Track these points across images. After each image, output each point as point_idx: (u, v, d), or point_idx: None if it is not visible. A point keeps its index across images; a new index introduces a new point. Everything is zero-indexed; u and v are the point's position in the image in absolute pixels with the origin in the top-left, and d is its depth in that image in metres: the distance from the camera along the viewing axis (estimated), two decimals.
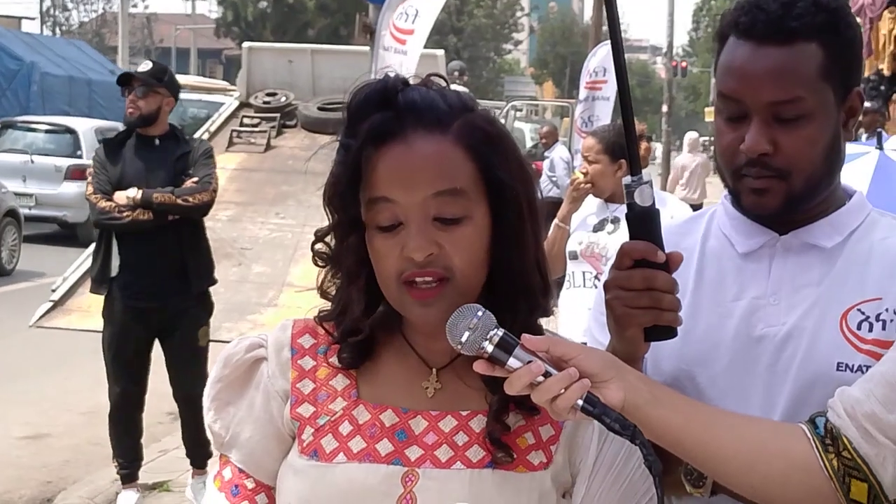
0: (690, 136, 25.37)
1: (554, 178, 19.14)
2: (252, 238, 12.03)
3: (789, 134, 2.18)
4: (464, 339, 1.81)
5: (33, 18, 60.85)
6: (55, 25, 63.09)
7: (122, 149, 7.40)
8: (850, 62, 2.25)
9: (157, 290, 7.24)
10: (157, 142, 7.39)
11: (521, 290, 1.98)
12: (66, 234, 20.60)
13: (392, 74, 2.00)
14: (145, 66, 7.53)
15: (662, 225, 2.16)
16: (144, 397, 7.48)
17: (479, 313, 1.82)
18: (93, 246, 11.31)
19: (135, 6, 60.79)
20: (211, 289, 7.61)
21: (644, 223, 2.14)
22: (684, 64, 64.62)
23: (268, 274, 11.46)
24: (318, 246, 2.06)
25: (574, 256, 6.42)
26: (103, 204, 7.19)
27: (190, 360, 7.31)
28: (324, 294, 2.07)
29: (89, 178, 7.42)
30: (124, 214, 7.14)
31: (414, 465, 1.97)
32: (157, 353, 7.50)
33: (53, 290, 10.90)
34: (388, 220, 1.92)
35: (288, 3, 53.40)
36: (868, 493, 1.94)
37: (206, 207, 7.37)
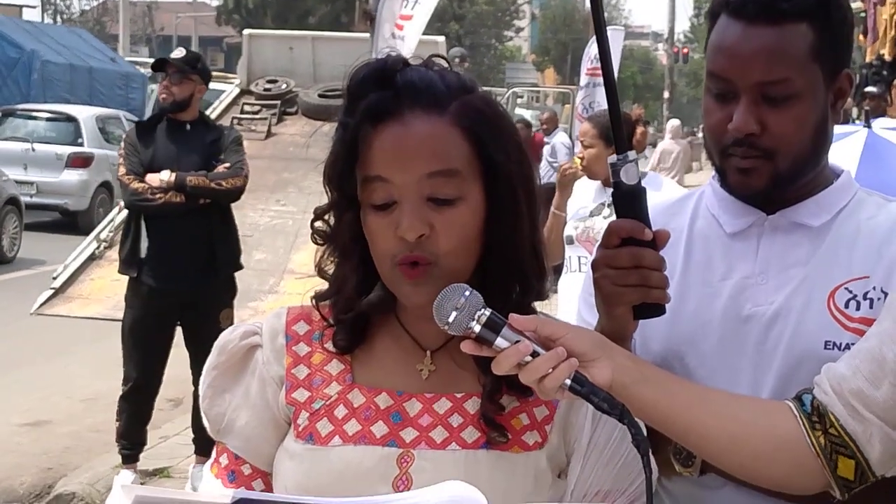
0: (673, 123, 25.53)
1: (555, 164, 19.14)
2: (253, 225, 12.04)
3: (777, 114, 2.18)
4: (451, 318, 1.81)
5: (34, 6, 60.82)
6: (56, 13, 63.09)
7: (154, 132, 7.52)
8: (839, 44, 2.25)
9: (185, 274, 7.32)
10: (188, 127, 7.52)
11: (514, 272, 1.99)
12: (66, 222, 20.61)
13: (393, 54, 2.00)
14: (179, 52, 7.67)
15: (651, 206, 2.17)
16: (161, 381, 7.54)
17: (467, 293, 1.82)
18: (93, 233, 11.40)
19: None
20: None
21: (630, 201, 2.15)
22: (686, 50, 64.59)
23: (268, 261, 11.47)
24: (318, 224, 2.06)
25: (570, 241, 6.48)
26: (136, 185, 7.28)
27: (211, 343, 7.30)
28: (321, 273, 2.07)
29: (121, 160, 7.52)
30: (157, 196, 7.22)
31: (409, 446, 1.97)
32: None
33: (54, 278, 10.92)
34: (383, 199, 1.93)
35: None
36: (855, 470, 1.96)
37: (238, 192, 7.50)
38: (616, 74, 2.27)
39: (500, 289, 1.96)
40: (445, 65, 2.03)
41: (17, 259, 17.76)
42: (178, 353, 7.48)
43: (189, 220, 7.30)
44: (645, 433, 1.82)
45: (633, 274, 2.10)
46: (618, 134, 2.20)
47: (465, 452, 1.96)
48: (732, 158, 2.23)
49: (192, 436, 7.55)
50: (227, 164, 7.41)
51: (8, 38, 28.72)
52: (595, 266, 2.16)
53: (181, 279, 7.32)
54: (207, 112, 12.91)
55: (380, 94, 1.93)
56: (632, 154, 2.15)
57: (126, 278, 7.50)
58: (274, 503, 1.43)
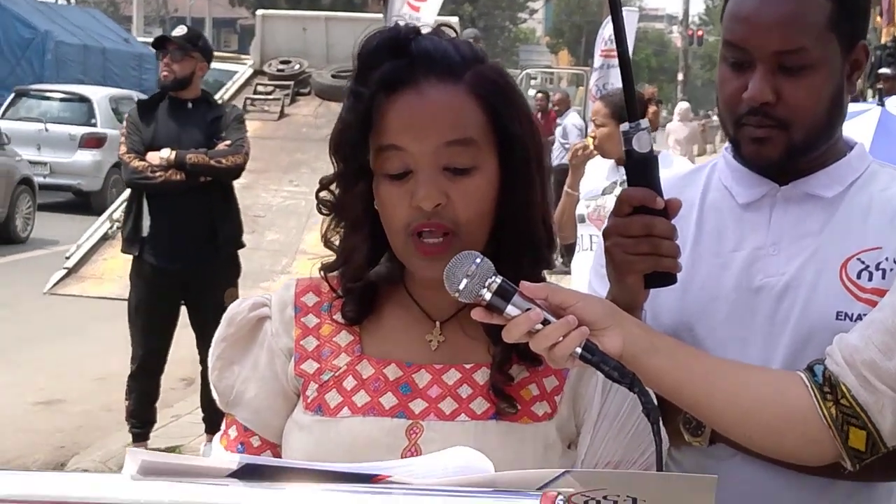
0: (681, 106, 25.88)
1: (566, 145, 19.14)
2: (265, 206, 12.08)
3: (793, 84, 2.17)
4: (461, 286, 1.80)
5: None
6: None
7: (156, 111, 7.51)
8: (857, 15, 2.24)
9: (186, 252, 7.31)
10: (189, 105, 7.51)
11: (526, 242, 1.98)
12: (80, 203, 20.61)
13: (402, 24, 1.99)
14: (180, 30, 7.66)
15: (663, 179, 2.16)
16: (166, 359, 7.56)
17: (478, 260, 1.80)
18: (106, 213, 11.43)
19: None
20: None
21: (642, 170, 2.14)
22: (700, 33, 64.45)
23: (281, 241, 11.51)
24: (323, 194, 2.05)
25: (582, 220, 6.50)
26: (136, 163, 7.29)
27: (216, 322, 7.31)
28: (327, 244, 2.07)
29: (122, 139, 7.53)
30: (157, 174, 7.22)
31: (418, 417, 1.97)
32: None
33: (67, 258, 10.96)
34: (398, 169, 1.92)
35: None
36: (866, 441, 1.95)
37: (238, 170, 7.48)
38: (630, 56, 2.26)
39: (512, 259, 1.95)
40: (454, 34, 2.03)
41: (30, 239, 17.78)
42: (190, 333, 7.50)
43: (190, 199, 7.30)
44: (655, 402, 1.81)
45: (645, 242, 2.09)
46: (630, 102, 2.18)
47: (474, 423, 1.95)
48: (747, 128, 2.22)
49: (202, 414, 7.56)
50: (228, 142, 7.40)
51: (21, 19, 28.76)
52: (606, 234, 2.15)
53: (183, 258, 7.32)
54: (220, 92, 12.97)
55: (394, 62, 1.92)
56: (644, 122, 2.13)
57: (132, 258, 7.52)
58: (279, 468, 1.42)
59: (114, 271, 10.35)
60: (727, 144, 2.37)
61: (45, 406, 9.00)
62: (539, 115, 20.72)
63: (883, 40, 18.61)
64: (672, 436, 2.19)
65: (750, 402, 1.96)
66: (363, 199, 1.98)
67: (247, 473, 1.40)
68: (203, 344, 7.39)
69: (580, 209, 6.55)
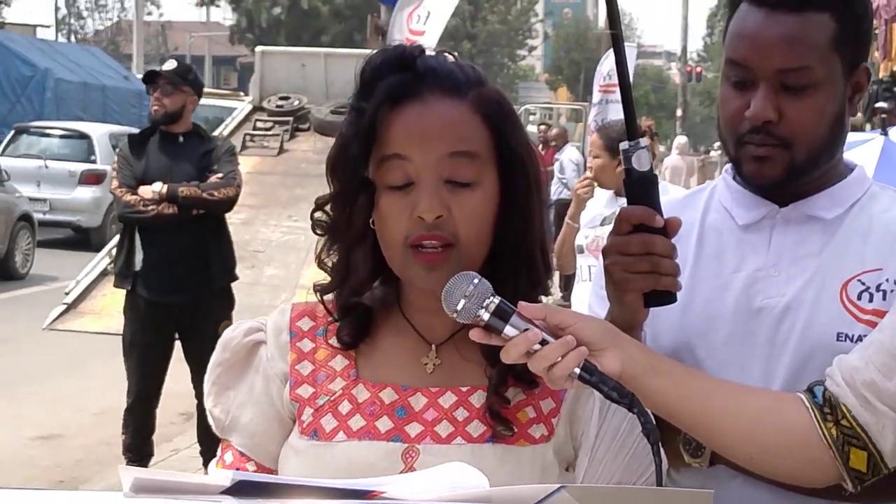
0: (679, 140, 26.51)
1: (564, 181, 19.17)
2: (265, 241, 12.10)
3: (795, 103, 2.17)
4: (459, 306, 1.80)
5: (48, 26, 61.02)
6: (70, 33, 63.29)
7: (147, 145, 7.51)
8: (860, 36, 2.25)
9: (179, 285, 7.30)
10: (180, 139, 7.50)
11: (525, 262, 1.98)
12: (79, 239, 20.64)
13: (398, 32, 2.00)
14: (170, 64, 7.65)
15: (662, 202, 2.15)
16: (161, 392, 7.53)
17: (475, 281, 1.80)
18: (105, 248, 11.43)
19: (149, 14, 60.99)
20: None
21: (642, 188, 2.13)
22: (699, 69, 64.60)
23: (280, 276, 11.51)
24: (318, 214, 2.04)
25: (581, 250, 6.54)
26: (128, 198, 7.27)
27: (210, 354, 7.30)
28: (321, 265, 2.06)
29: (114, 174, 7.52)
30: (149, 208, 7.21)
31: (414, 441, 1.95)
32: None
33: (66, 294, 10.96)
34: (400, 180, 1.92)
35: (302, 9, 53.49)
36: (868, 462, 1.93)
37: (230, 202, 7.47)
38: (630, 78, 2.27)
39: (510, 279, 1.95)
40: (454, 58, 2.04)
41: (30, 275, 17.78)
42: (188, 367, 7.48)
43: (183, 232, 7.29)
44: (654, 423, 1.80)
45: (644, 261, 2.08)
46: (630, 119, 2.18)
47: (470, 446, 1.94)
48: (748, 147, 2.22)
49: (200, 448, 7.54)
50: (220, 175, 7.40)
51: (21, 56, 28.84)
52: (606, 252, 2.15)
53: (176, 291, 7.31)
54: (219, 128, 13.00)
55: (401, 76, 1.93)
56: (643, 141, 2.13)
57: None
58: (273, 484, 1.41)
59: (113, 307, 10.34)
60: (727, 166, 2.37)
61: (44, 441, 8.97)
62: (540, 148, 20.77)
63: (881, 75, 18.63)
64: (672, 457, 2.17)
65: (749, 423, 1.95)
66: (364, 212, 1.97)
67: (240, 490, 1.39)
68: (198, 377, 7.36)
69: (579, 240, 6.60)
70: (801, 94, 2.17)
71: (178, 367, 7.55)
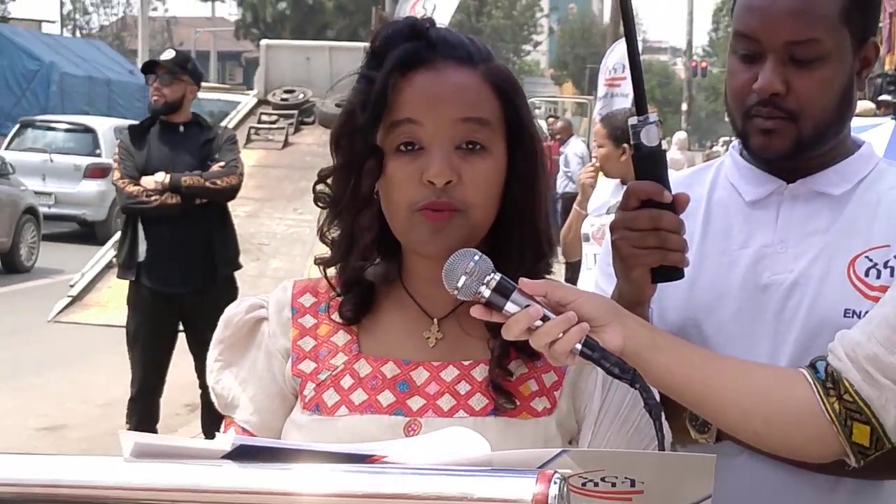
0: (679, 135, 26.87)
1: (569, 174, 19.18)
2: (270, 234, 12.09)
3: (803, 76, 2.16)
4: (460, 283, 1.79)
5: (53, 21, 60.98)
6: (75, 29, 63.30)
7: (147, 135, 7.52)
8: (869, 9, 2.24)
9: (183, 275, 7.31)
10: (181, 128, 7.51)
11: (530, 235, 1.98)
12: (84, 233, 20.64)
13: (401, 12, 2.00)
14: (168, 54, 7.67)
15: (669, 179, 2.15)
16: (165, 381, 7.54)
17: (476, 257, 1.79)
18: (110, 241, 11.43)
19: (154, 9, 60.99)
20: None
21: (650, 163, 2.12)
22: (704, 64, 64.55)
23: (285, 269, 11.49)
24: (320, 187, 2.04)
25: (587, 238, 6.55)
26: (131, 188, 7.28)
27: None
28: (323, 238, 2.05)
29: (115, 164, 7.54)
30: (152, 199, 7.22)
31: (416, 414, 1.95)
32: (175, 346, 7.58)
33: (71, 286, 10.96)
34: (410, 142, 1.91)
35: (307, 4, 53.46)
36: (870, 436, 1.93)
37: (233, 191, 7.48)
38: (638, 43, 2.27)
39: (516, 253, 1.95)
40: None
41: (35, 268, 17.79)
42: (192, 358, 7.48)
43: (186, 222, 7.30)
44: (658, 398, 1.80)
45: (652, 236, 2.08)
46: (639, 95, 2.17)
47: (472, 419, 1.93)
48: (756, 119, 2.21)
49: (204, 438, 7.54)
50: (222, 163, 7.40)
51: (27, 50, 28.87)
52: (613, 228, 2.14)
53: (180, 281, 7.32)
54: (224, 122, 12.99)
55: (413, 43, 1.93)
56: (652, 116, 2.12)
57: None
58: (273, 449, 1.41)
59: (117, 299, 10.31)
60: (734, 142, 2.36)
61: (49, 432, 8.99)
62: (549, 140, 20.77)
63: (886, 68, 18.61)
64: (678, 433, 2.16)
65: (753, 398, 1.94)
66: (371, 178, 1.95)
67: (240, 454, 1.39)
68: (202, 367, 7.36)
69: (585, 228, 6.61)
70: (809, 66, 2.16)
71: (182, 359, 7.56)
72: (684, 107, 45.98)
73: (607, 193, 6.65)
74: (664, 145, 2.28)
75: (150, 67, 7.55)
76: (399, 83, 1.91)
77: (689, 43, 50.94)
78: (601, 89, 16.49)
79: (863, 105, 12.35)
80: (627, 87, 16.20)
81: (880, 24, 18.45)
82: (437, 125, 1.89)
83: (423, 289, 2.01)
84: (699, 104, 79.14)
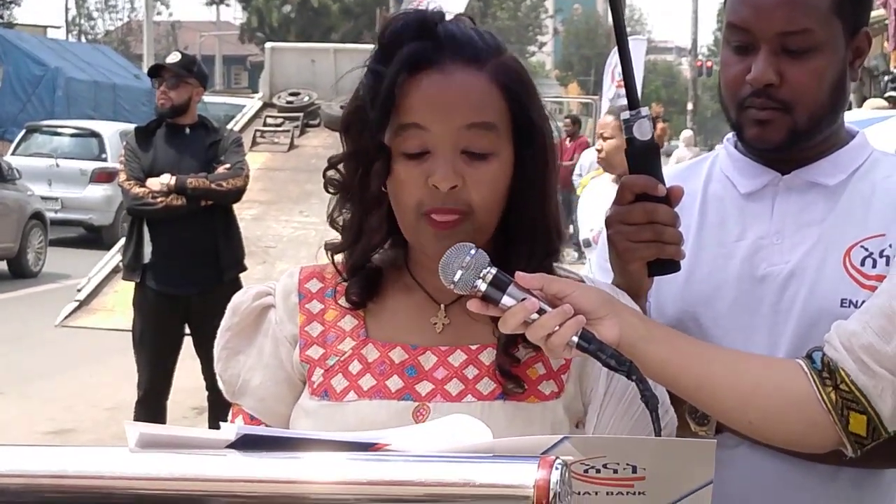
0: (685, 133, 27.71)
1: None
2: (276, 236, 12.08)
3: (796, 66, 2.18)
4: (456, 277, 1.81)
5: (59, 27, 61.02)
6: (80, 34, 63.34)
7: (153, 137, 7.54)
8: (860, 1, 2.26)
9: (189, 277, 7.33)
10: (187, 130, 7.54)
11: (539, 232, 1.99)
12: (91, 237, 20.67)
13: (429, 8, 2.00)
14: (174, 57, 7.68)
15: (664, 173, 2.17)
16: (171, 383, 7.56)
17: (472, 251, 1.81)
18: (117, 246, 11.43)
19: (159, 14, 61.05)
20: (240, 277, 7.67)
21: (644, 157, 2.14)
22: (710, 63, 64.46)
23: None
24: (331, 173, 2.05)
25: (587, 244, 6.49)
26: (137, 190, 7.31)
27: None
28: (333, 223, 2.06)
29: (121, 166, 7.56)
30: (158, 200, 7.24)
31: (424, 399, 1.96)
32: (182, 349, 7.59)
33: (78, 290, 10.96)
34: (417, 148, 1.92)
35: (312, 7, 53.50)
36: (867, 425, 1.94)
37: (239, 193, 7.51)
38: (640, 88, 2.28)
39: (524, 249, 1.97)
40: (472, 24, 2.03)
41: (42, 273, 17.83)
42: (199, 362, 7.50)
43: (191, 224, 7.33)
44: (654, 391, 1.81)
45: (647, 229, 2.09)
46: (630, 89, 2.19)
47: (481, 404, 1.94)
48: (750, 111, 2.22)
49: None
50: (228, 165, 7.43)
51: (32, 56, 28.89)
52: (609, 223, 2.16)
53: (185, 283, 7.34)
54: (230, 125, 13.00)
55: (421, 42, 1.92)
56: (644, 110, 2.14)
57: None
58: (278, 438, 1.42)
59: (124, 303, 10.30)
60: (729, 135, 2.37)
61: (56, 436, 9.00)
62: (567, 141, 20.74)
63: (893, 65, 18.59)
64: (677, 425, 2.18)
65: (749, 390, 1.95)
66: (380, 178, 1.97)
67: (245, 444, 1.40)
68: (208, 369, 7.38)
69: (585, 233, 6.56)
70: (801, 57, 2.18)
71: (189, 363, 7.58)
72: (690, 106, 45.94)
73: (607, 198, 6.65)
74: (674, 144, 2.29)
75: (156, 71, 7.58)
76: (406, 84, 1.91)
77: (694, 42, 50.93)
78: (611, 90, 16.52)
79: (875, 102, 12.35)
80: None
81: (886, 21, 18.43)
82: (442, 131, 1.90)
83: (429, 275, 2.01)
84: (704, 104, 79.03)
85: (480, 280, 1.80)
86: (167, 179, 7.24)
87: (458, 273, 1.81)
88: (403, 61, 1.91)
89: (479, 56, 1.95)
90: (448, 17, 2.01)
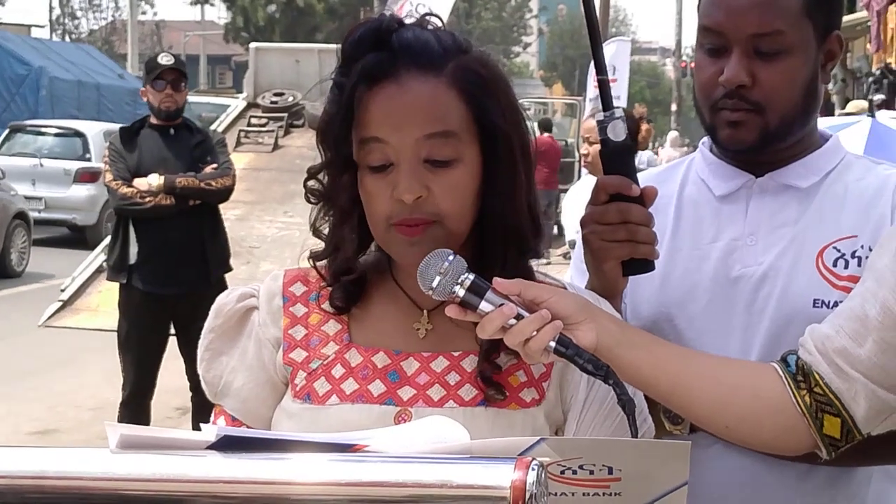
0: (671, 134, 28.55)
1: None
2: (260, 237, 12.07)
3: (768, 68, 2.21)
4: (434, 283, 1.82)
5: (43, 26, 60.86)
6: (65, 33, 63.20)
7: (137, 138, 7.52)
8: (832, 2, 2.29)
9: (176, 277, 7.32)
10: (171, 131, 7.54)
11: (511, 233, 1.99)
12: (75, 237, 20.57)
13: (388, 14, 2.00)
14: (168, 58, 7.61)
15: (641, 176, 2.19)
16: (156, 383, 7.56)
17: (450, 258, 1.82)
18: (101, 245, 11.42)
19: (143, 13, 60.95)
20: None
21: (618, 158, 2.17)
22: (693, 64, 64.64)
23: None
24: (311, 183, 2.06)
25: (573, 246, 6.53)
26: (125, 190, 7.30)
27: None
28: (316, 232, 2.08)
29: (106, 166, 7.52)
30: (147, 200, 7.23)
31: (406, 404, 1.97)
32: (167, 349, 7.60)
33: (62, 290, 10.95)
34: (379, 161, 1.93)
35: (297, 7, 53.44)
36: (841, 428, 1.95)
37: (227, 192, 7.55)
38: (626, 88, 2.30)
39: (499, 251, 1.97)
40: (440, 24, 2.02)
41: (25, 273, 17.76)
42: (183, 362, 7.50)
43: (178, 224, 7.33)
44: (631, 395, 1.82)
45: (621, 229, 2.12)
46: (604, 91, 2.22)
47: (462, 410, 1.95)
48: (723, 112, 2.26)
49: None
50: (215, 165, 7.46)
51: (15, 55, 28.77)
52: (584, 223, 2.18)
53: (171, 283, 7.33)
54: (214, 125, 13.00)
55: (376, 55, 1.92)
56: (618, 111, 2.16)
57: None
58: (258, 439, 1.43)
59: (108, 304, 10.30)
60: (704, 139, 2.40)
61: (41, 436, 8.99)
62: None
63: (874, 67, 18.66)
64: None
65: (724, 393, 1.97)
66: (349, 190, 1.99)
67: (225, 445, 1.41)
68: (193, 370, 7.38)
69: (570, 235, 6.60)
70: (773, 59, 2.21)
71: (173, 363, 7.57)
72: (674, 107, 46.03)
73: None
74: (660, 145, 2.31)
75: (162, 72, 7.42)
76: (364, 98, 1.92)
77: (679, 43, 51.00)
78: (591, 90, 16.54)
79: (858, 104, 12.40)
80: (618, 89, 16.26)
81: (869, 23, 18.49)
82: (402, 143, 1.91)
83: (413, 282, 2.02)
84: (688, 104, 78.80)
85: (458, 286, 1.82)
86: (155, 180, 7.24)
87: (437, 279, 1.82)
88: (360, 75, 1.92)
89: (435, 62, 1.94)
90: (410, 20, 2.00)
